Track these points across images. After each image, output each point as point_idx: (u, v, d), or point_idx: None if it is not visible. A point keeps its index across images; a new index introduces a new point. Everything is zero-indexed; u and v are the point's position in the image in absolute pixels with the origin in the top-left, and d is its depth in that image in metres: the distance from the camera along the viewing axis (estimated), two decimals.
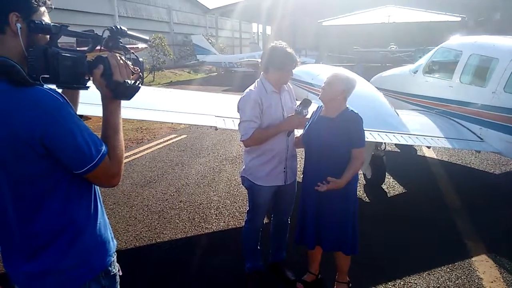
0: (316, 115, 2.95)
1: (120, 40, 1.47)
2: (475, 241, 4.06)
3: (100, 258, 1.51)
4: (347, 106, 2.85)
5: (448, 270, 3.58)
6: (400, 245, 4.01)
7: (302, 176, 3.04)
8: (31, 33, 1.31)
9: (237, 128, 3.07)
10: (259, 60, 3.08)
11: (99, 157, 1.34)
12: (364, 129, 2.85)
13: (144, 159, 7.12)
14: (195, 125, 8.12)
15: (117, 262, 1.61)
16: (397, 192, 5.52)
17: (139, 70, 1.50)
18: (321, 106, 2.96)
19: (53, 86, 1.33)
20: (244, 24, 40.42)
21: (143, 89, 1.51)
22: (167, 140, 8.61)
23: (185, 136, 9.00)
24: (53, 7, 1.42)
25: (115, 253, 1.59)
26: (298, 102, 2.97)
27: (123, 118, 1.53)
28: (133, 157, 7.23)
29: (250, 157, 3.03)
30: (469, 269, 3.60)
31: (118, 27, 1.45)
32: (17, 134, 1.24)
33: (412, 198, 5.37)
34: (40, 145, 1.26)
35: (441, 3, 34.80)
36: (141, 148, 7.89)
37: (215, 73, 29.69)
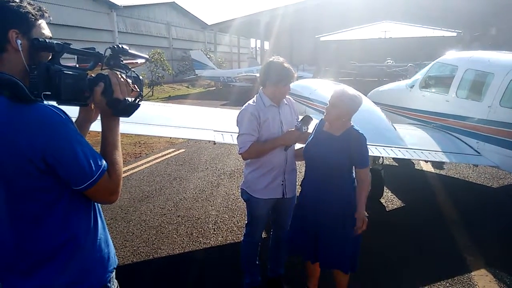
0: (319, 128, 2.92)
1: (121, 59, 1.49)
2: (474, 255, 4.04)
3: (99, 274, 1.50)
4: (352, 124, 2.80)
5: (448, 285, 3.56)
6: (399, 259, 3.99)
7: (299, 190, 3.03)
8: (34, 50, 1.32)
9: (235, 142, 3.10)
10: (257, 75, 3.12)
11: (98, 173, 1.34)
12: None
13: (142, 174, 7.11)
14: (193, 139, 8.11)
15: (115, 278, 1.60)
16: (395, 206, 5.51)
17: (138, 88, 1.52)
18: (323, 120, 2.92)
19: (53, 103, 1.34)
20: (242, 39, 40.82)
21: (142, 103, 1.54)
22: (165, 155, 8.60)
23: (183, 150, 9.00)
24: (51, 19, 1.43)
25: (115, 269, 1.58)
26: (300, 117, 2.98)
27: (121, 133, 1.54)
28: (131, 171, 7.21)
29: (249, 169, 3.05)
30: (468, 283, 3.57)
31: (120, 46, 1.48)
32: (19, 150, 1.24)
33: (411, 212, 5.36)
34: (42, 161, 1.26)
35: (437, 19, 35.37)
36: (139, 163, 7.87)
37: (213, 88, 29.86)
